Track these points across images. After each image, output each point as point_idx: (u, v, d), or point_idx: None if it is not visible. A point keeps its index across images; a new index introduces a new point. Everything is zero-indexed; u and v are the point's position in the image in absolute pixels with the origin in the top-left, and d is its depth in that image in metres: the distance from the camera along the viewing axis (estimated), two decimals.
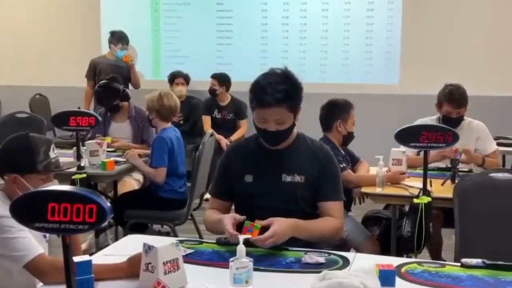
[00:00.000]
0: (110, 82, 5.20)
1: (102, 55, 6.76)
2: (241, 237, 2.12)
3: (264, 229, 2.36)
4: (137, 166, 4.53)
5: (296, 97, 2.56)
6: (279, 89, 2.49)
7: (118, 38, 6.53)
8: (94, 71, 6.51)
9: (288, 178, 2.64)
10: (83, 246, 4.77)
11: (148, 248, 1.96)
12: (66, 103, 5.46)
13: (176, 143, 4.45)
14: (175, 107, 4.49)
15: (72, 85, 6.99)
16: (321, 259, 2.33)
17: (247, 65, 7.07)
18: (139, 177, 4.94)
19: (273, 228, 2.37)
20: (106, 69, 6.33)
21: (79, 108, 5.17)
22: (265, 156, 2.68)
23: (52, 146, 2.40)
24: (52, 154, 2.37)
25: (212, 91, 6.76)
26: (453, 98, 4.03)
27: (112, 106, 5.11)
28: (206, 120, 6.78)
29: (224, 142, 6.34)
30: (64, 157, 4.58)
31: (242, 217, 2.39)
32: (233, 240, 2.35)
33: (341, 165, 3.44)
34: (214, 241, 2.55)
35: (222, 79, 6.71)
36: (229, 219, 2.43)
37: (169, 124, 4.52)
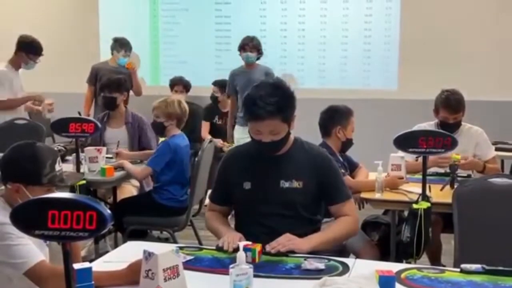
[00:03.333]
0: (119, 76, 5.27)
1: (103, 61, 6.76)
2: (241, 244, 2.13)
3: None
4: (123, 165, 4.51)
5: (288, 107, 2.56)
6: (270, 101, 2.48)
7: (121, 44, 6.54)
8: (95, 77, 6.49)
9: (287, 184, 2.65)
10: (82, 252, 4.76)
11: (148, 255, 1.96)
12: (64, 109, 5.43)
13: (184, 151, 4.47)
14: (188, 114, 4.54)
15: (71, 91, 6.97)
16: (321, 265, 2.33)
17: None
18: (137, 182, 4.94)
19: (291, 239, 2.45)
20: (107, 75, 6.29)
21: (79, 113, 5.17)
22: (263, 162, 2.69)
23: (58, 159, 2.38)
24: (57, 167, 2.34)
25: (213, 98, 6.77)
26: (449, 104, 4.02)
27: (112, 99, 5.02)
28: (205, 126, 6.78)
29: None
30: (64, 164, 4.69)
31: (241, 243, 2.31)
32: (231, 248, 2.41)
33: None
34: (214, 248, 2.56)
35: (224, 86, 6.71)
36: (230, 238, 2.48)
37: (180, 131, 4.52)
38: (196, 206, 4.70)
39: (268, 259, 2.40)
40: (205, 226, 2.86)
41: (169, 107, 4.40)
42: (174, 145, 4.40)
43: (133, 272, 2.09)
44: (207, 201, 3.09)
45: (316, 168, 2.67)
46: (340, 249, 3.24)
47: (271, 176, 2.66)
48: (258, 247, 2.36)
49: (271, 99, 2.49)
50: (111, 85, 5.05)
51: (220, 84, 6.72)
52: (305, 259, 2.38)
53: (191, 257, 2.46)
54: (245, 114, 2.58)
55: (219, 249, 2.52)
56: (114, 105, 5.05)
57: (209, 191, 2.99)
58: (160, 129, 4.53)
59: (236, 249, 2.20)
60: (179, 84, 6.97)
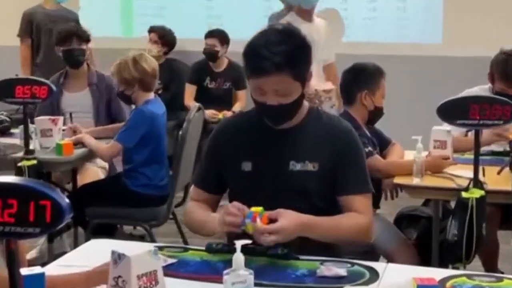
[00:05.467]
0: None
1: (36, 5, 6.60)
2: (238, 243, 2.11)
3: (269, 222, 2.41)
4: (83, 140, 4.53)
5: (302, 60, 2.56)
6: (278, 51, 2.48)
7: None
8: (29, 26, 6.41)
9: (298, 166, 2.65)
10: (33, 253, 4.81)
11: (117, 258, 1.95)
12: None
13: (162, 121, 4.50)
14: (156, 71, 4.51)
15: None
16: (342, 271, 2.32)
17: (246, 17, 7.05)
18: (104, 163, 4.98)
19: (280, 222, 2.40)
20: (45, 22, 6.24)
21: (17, 75, 5.10)
22: (268, 137, 2.69)
23: None
24: None
25: (210, 54, 6.72)
26: (509, 74, 4.02)
27: (81, 52, 4.99)
28: (189, 91, 6.80)
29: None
30: (7, 138, 4.70)
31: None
32: (230, 230, 2.43)
33: (366, 149, 3.43)
34: (203, 248, 2.56)
35: (224, 38, 6.66)
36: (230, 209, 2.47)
37: (152, 95, 4.53)
38: (180, 194, 4.71)
39: (273, 262, 2.42)
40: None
41: (123, 72, 4.40)
42: (150, 114, 4.42)
43: (97, 279, 2.09)
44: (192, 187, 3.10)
45: (336, 145, 2.66)
46: (367, 249, 3.26)
47: (278, 155, 2.66)
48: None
49: (279, 48, 2.49)
50: (75, 33, 5.02)
51: (220, 35, 6.67)
52: (321, 263, 2.38)
53: (174, 260, 2.46)
54: (246, 68, 2.58)
55: (211, 249, 2.52)
56: (82, 60, 5.03)
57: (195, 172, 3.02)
58: (125, 99, 4.59)
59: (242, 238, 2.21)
60: (154, 31, 6.94)
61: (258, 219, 2.37)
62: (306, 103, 2.71)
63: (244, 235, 2.35)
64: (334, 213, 2.66)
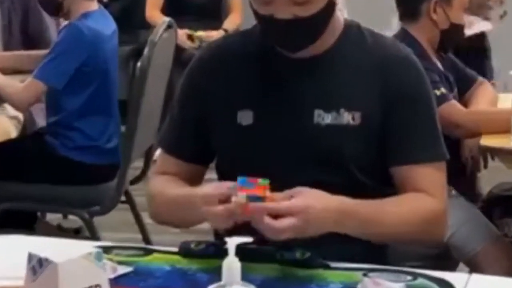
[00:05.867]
0: None
1: None
2: (232, 242, 2.05)
3: None
4: None
5: None
6: None
7: None
8: None
9: (327, 118, 2.65)
10: None
11: (37, 265, 1.95)
12: None
13: (110, 45, 4.59)
14: None
15: None
16: (398, 287, 2.31)
17: None
18: (17, 113, 5.06)
19: (302, 201, 2.39)
20: None
21: None
22: (279, 72, 2.71)
23: None
24: None
25: None
26: None
27: None
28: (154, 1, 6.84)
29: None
30: None
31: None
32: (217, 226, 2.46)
33: (437, 91, 3.49)
34: (176, 249, 2.56)
35: None
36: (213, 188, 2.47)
37: (96, 4, 4.60)
38: (138, 163, 4.80)
39: (288, 271, 2.42)
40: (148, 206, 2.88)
41: None
42: (91, 34, 4.47)
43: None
44: (158, 152, 3.16)
45: (389, 85, 2.67)
46: (438, 252, 3.31)
47: (296, 100, 2.68)
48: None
49: None
50: None
51: None
52: (364, 274, 2.36)
53: (129, 269, 2.44)
54: None
55: (188, 251, 2.53)
56: None
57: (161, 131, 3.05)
58: (52, 8, 4.64)
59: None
60: None
61: (267, 190, 2.34)
62: (339, 16, 2.73)
63: (241, 228, 2.35)
64: (384, 195, 2.66)
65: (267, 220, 2.31)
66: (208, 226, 2.58)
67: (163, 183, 2.79)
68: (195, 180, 2.80)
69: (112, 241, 2.91)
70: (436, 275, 2.41)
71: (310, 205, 2.37)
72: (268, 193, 2.33)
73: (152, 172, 2.95)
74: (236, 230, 2.28)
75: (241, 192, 2.30)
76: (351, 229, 2.52)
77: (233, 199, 2.18)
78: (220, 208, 2.35)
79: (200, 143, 2.80)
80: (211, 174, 2.83)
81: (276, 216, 2.33)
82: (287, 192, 2.40)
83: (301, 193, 2.40)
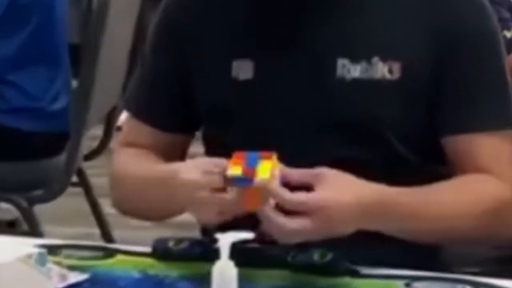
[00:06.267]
0: None
1: None
2: (225, 240, 1.85)
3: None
4: None
5: None
6: None
7: None
8: None
9: (356, 71, 2.35)
10: None
11: None
12: None
13: None
14: None
15: None
16: None
17: None
18: None
19: (323, 192, 2.09)
20: None
21: None
22: (289, 8, 2.41)
23: None
24: None
25: None
26: None
27: None
28: None
29: None
30: None
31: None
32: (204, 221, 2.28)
33: (507, 32, 3.38)
34: (148, 250, 2.31)
35: None
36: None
37: None
38: (96, 131, 4.58)
39: (302, 280, 2.15)
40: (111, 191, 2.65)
41: None
42: None
43: None
44: (123, 117, 2.88)
45: (440, 25, 2.37)
46: (509, 254, 3.04)
47: (312, 46, 2.38)
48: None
49: None
50: None
51: None
52: (407, 284, 2.14)
53: (84, 276, 2.18)
54: None
55: (165, 252, 2.25)
56: None
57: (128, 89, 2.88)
58: None
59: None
60: None
61: (276, 169, 2.08)
62: None
63: (238, 222, 2.10)
64: (433, 175, 2.38)
65: (273, 214, 2.07)
66: (192, 218, 2.28)
67: (131, 159, 2.57)
68: (175, 154, 2.59)
69: (60, 237, 2.65)
70: (503, 285, 2.18)
71: (334, 199, 2.12)
72: (276, 172, 2.08)
73: (116, 144, 2.71)
74: (230, 224, 2.07)
75: (236, 171, 2.07)
76: (390, 227, 2.27)
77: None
78: (212, 196, 2.13)
79: (181, 104, 2.53)
80: (197, 147, 2.57)
81: (287, 211, 2.11)
82: (304, 172, 2.14)
83: (323, 179, 2.12)
